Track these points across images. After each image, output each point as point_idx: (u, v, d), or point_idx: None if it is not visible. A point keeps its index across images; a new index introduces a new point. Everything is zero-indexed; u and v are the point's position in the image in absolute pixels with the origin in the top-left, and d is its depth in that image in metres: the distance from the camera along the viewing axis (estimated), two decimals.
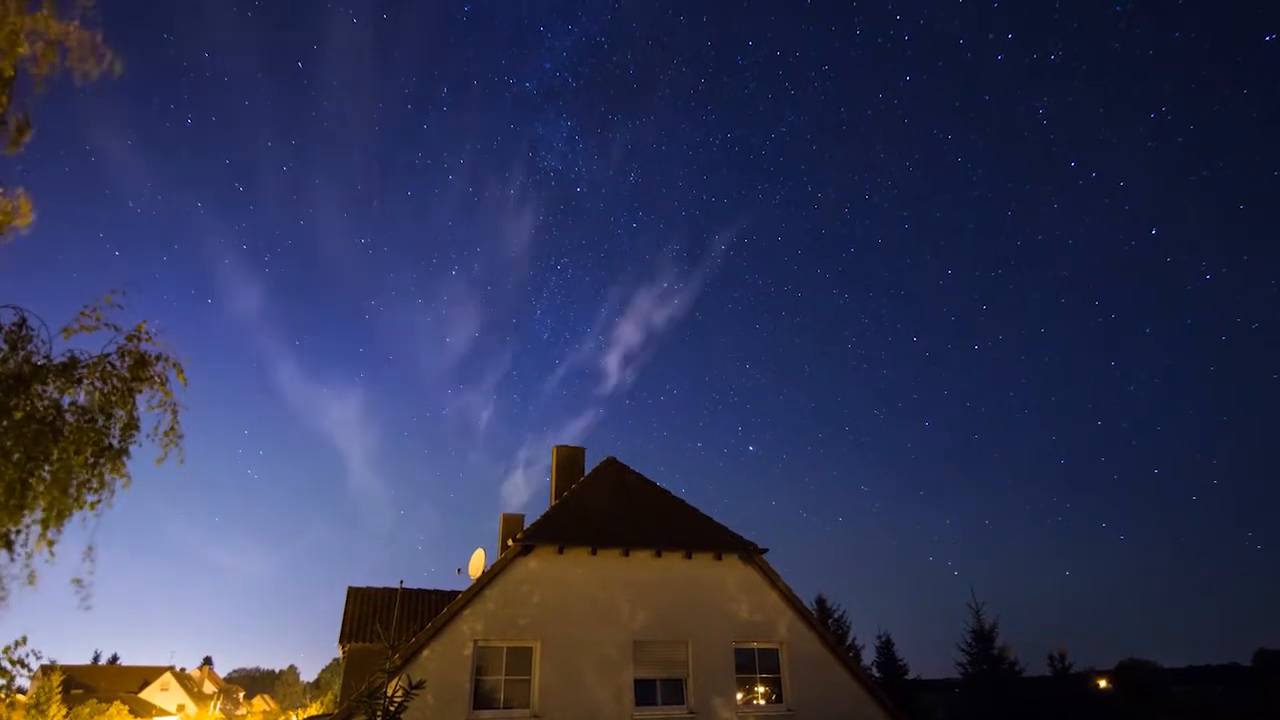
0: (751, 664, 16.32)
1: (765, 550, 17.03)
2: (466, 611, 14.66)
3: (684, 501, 18.10)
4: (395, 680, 11.20)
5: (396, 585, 20.14)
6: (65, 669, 61.59)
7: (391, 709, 10.14)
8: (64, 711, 45.03)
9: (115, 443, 7.59)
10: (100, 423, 7.46)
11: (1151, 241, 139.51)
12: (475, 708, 14.10)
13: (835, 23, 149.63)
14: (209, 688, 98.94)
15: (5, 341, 7.20)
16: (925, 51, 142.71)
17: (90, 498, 7.56)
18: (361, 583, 20.82)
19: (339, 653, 20.48)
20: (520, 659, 14.80)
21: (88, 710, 51.72)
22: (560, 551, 15.67)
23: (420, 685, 10.88)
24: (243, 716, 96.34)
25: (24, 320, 7.35)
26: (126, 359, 7.60)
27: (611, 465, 18.79)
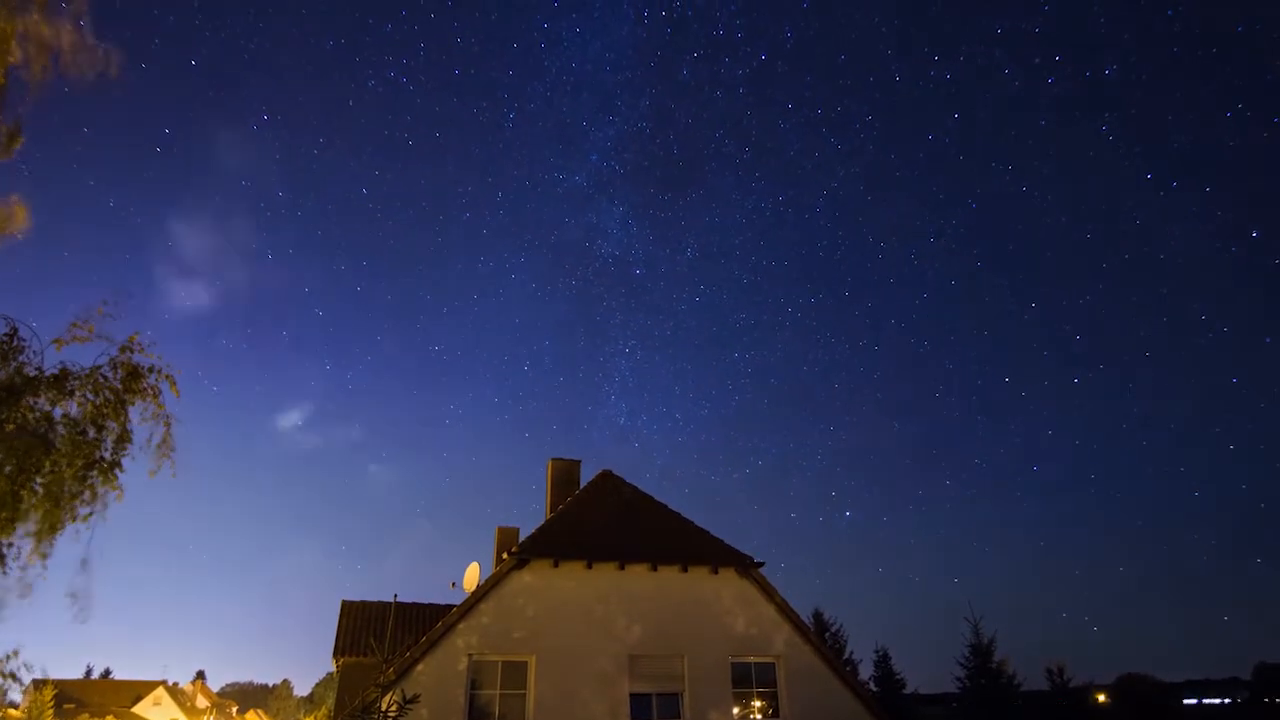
0: (748, 678, 16.21)
1: (762, 564, 16.97)
2: (461, 625, 14.57)
3: (680, 515, 18.04)
4: (389, 695, 11.11)
5: (390, 599, 20.03)
6: (57, 683, 61.13)
7: None
8: None
9: (108, 455, 7.56)
10: (92, 435, 7.43)
11: (1254, 245, 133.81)
12: None
13: (872, 72, 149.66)
14: (202, 702, 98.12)
15: None
16: (970, 86, 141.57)
17: (83, 510, 7.51)
18: (355, 596, 20.71)
19: (333, 667, 20.34)
20: (515, 673, 14.71)
21: None
22: (555, 565, 15.60)
23: (415, 699, 10.79)
24: None
25: (15, 331, 7.33)
26: (119, 371, 7.56)
27: (607, 478, 18.73)
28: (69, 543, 7.44)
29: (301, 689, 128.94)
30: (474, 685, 14.34)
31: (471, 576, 17.33)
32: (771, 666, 16.45)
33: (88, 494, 7.49)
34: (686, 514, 18.12)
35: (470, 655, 14.42)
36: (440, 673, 14.05)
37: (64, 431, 7.28)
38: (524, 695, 14.52)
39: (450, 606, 20.22)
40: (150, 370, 7.67)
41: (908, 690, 32.53)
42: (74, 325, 7.31)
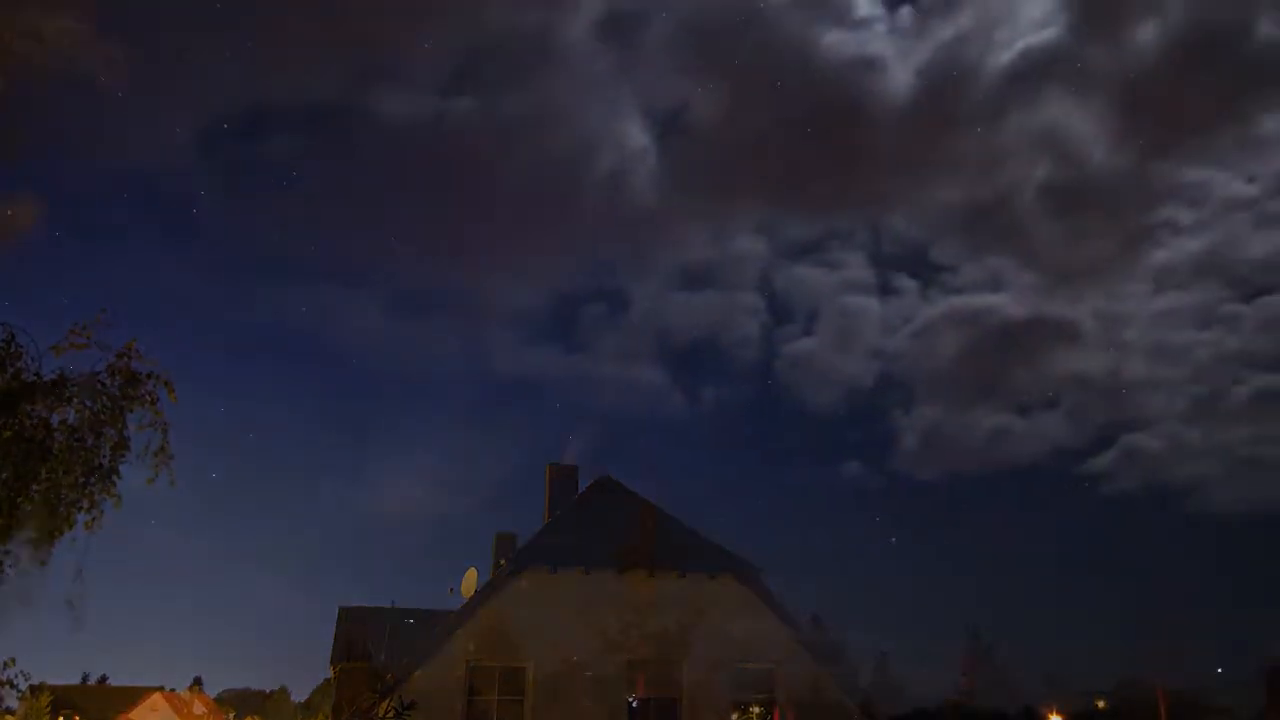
0: (746, 683, 16.19)
1: (760, 569, 16.94)
2: (459, 632, 14.57)
3: (678, 519, 18.00)
4: (386, 701, 11.09)
5: (388, 604, 19.99)
6: (54, 689, 60.89)
7: None
8: None
9: (105, 462, 7.53)
10: (90, 442, 7.41)
11: None
12: None
13: (885, 89, 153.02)
14: (199, 708, 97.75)
15: None
16: (987, 94, 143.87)
17: (81, 518, 7.49)
18: (353, 602, 20.67)
19: (330, 673, 20.29)
20: (513, 679, 14.69)
21: None
22: (553, 571, 15.57)
23: (412, 706, 10.76)
24: None
25: (13, 337, 7.32)
26: (117, 377, 7.54)
27: (605, 483, 18.70)
28: (66, 550, 7.42)
29: (299, 695, 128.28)
30: (472, 691, 14.33)
31: (469, 583, 17.29)
32: (769, 672, 16.41)
33: (86, 501, 7.48)
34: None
35: (468, 661, 14.40)
36: (438, 679, 14.03)
37: (62, 438, 7.27)
38: (522, 701, 14.50)
39: (448, 612, 20.19)
40: (148, 376, 7.66)
41: (906, 695, 32.52)
42: (72, 331, 7.29)
